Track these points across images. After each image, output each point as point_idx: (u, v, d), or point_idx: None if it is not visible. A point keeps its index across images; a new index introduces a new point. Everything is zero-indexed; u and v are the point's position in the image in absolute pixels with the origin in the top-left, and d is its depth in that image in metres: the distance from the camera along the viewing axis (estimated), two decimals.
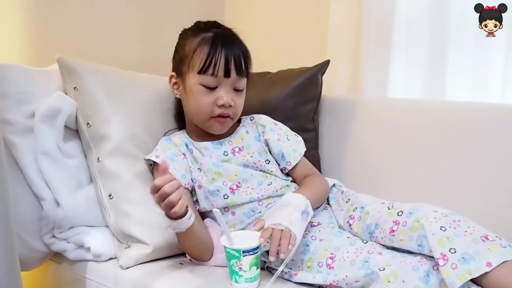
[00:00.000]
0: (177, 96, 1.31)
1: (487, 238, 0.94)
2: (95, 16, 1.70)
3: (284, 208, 1.09)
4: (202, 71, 1.20)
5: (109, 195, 1.21)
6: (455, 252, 0.92)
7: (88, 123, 1.24)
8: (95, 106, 1.24)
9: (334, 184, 1.32)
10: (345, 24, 1.79)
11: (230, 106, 1.24)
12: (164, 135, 1.35)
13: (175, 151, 1.26)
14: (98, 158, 1.23)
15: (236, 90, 1.26)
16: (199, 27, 1.28)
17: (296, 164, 1.32)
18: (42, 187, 1.19)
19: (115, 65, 1.41)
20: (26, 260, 1.22)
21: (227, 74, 1.21)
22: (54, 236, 1.22)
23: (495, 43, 1.59)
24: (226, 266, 1.16)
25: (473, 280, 0.91)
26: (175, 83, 1.30)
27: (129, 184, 1.21)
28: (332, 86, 1.80)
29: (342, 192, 1.29)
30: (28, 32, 1.53)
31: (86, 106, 1.25)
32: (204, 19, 2.10)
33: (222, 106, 1.23)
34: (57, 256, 1.28)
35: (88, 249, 1.21)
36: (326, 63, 1.66)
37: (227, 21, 2.18)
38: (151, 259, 1.18)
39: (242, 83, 1.27)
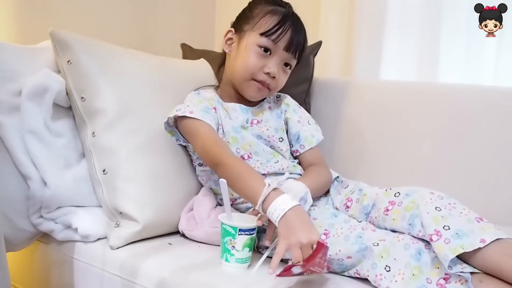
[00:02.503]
0: (227, 51, 1.32)
1: (482, 220, 0.94)
2: None
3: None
4: (265, 34, 1.23)
5: (103, 171, 1.20)
6: (449, 229, 0.92)
7: (82, 97, 1.22)
8: (90, 79, 1.22)
9: (338, 176, 1.32)
10: (338, 5, 1.78)
11: (274, 77, 1.26)
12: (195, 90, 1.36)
13: (207, 105, 1.27)
14: (93, 133, 1.21)
15: (285, 65, 1.28)
16: (275, 0, 1.30)
17: (309, 149, 1.34)
18: (28, 166, 1.17)
19: None
20: (13, 240, 1.21)
21: (286, 47, 1.25)
22: (41, 216, 1.20)
23: None
24: (212, 244, 1.17)
25: (464, 260, 0.92)
26: (229, 39, 1.32)
27: (124, 159, 1.19)
28: (324, 68, 1.79)
29: (342, 181, 1.30)
30: (16, 10, 1.50)
31: (80, 79, 1.22)
32: (195, 7, 2.09)
33: (268, 74, 1.25)
34: (45, 237, 1.26)
35: (76, 229, 1.19)
36: (318, 44, 1.65)
37: (218, 3, 2.18)
38: (140, 238, 1.17)
39: (293, 62, 1.30)
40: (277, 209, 0.97)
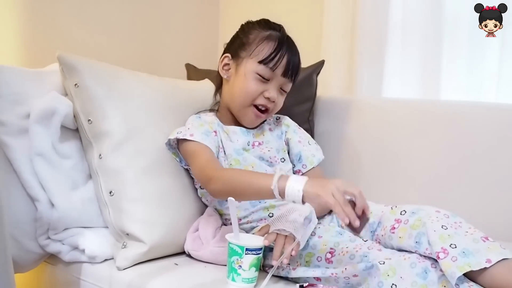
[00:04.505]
0: (225, 77, 1.34)
1: (487, 239, 0.96)
2: (90, 17, 1.70)
3: (289, 214, 1.10)
4: (263, 62, 1.25)
5: (110, 192, 1.21)
6: (456, 247, 0.93)
7: (89, 120, 1.24)
8: (96, 102, 1.24)
9: None
10: (340, 24, 1.80)
11: (273, 101, 1.28)
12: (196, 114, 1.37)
13: (208, 128, 1.29)
14: (100, 155, 1.22)
15: (282, 90, 1.31)
16: (268, 24, 1.32)
17: (311, 169, 1.34)
18: (36, 188, 1.18)
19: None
20: (21, 262, 1.21)
21: (284, 73, 1.27)
22: (49, 238, 1.21)
23: (489, 42, 1.59)
24: (218, 264, 1.17)
25: (470, 278, 0.93)
26: (226, 64, 1.33)
27: (130, 180, 1.21)
28: (327, 86, 1.80)
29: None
30: (23, 34, 1.53)
31: (87, 102, 1.24)
32: (199, 19, 2.11)
33: (268, 98, 1.27)
34: (52, 258, 1.27)
35: (83, 251, 1.20)
36: (321, 63, 1.67)
37: (222, 23, 2.21)
38: (147, 259, 1.18)
39: (289, 87, 1.32)
40: (297, 181, 0.98)
